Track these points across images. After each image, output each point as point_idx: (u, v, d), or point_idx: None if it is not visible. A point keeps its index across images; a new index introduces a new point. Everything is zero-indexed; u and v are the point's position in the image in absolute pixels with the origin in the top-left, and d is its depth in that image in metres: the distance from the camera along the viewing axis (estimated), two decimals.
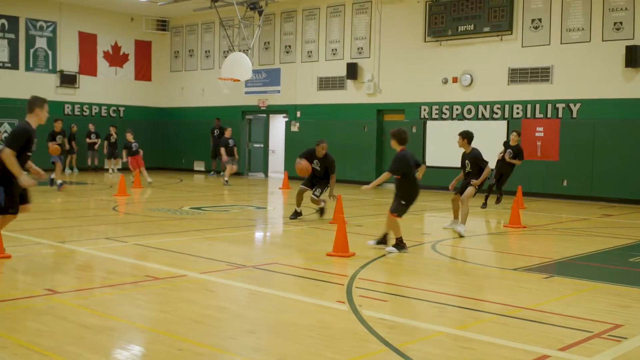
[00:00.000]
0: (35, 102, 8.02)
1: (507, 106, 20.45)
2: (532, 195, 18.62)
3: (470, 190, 11.75)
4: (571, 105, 19.30)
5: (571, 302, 6.88)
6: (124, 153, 21.72)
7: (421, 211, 15.51)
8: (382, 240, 9.72)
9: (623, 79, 18.38)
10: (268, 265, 8.36)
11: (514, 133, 16.75)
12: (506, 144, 16.78)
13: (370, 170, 23.31)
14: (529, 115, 19.99)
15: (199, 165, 29.19)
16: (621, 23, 18.43)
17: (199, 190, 20.86)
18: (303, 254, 9.57)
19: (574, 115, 19.27)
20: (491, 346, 5.26)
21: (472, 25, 20.91)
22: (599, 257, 9.71)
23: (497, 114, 20.65)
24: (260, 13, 24.21)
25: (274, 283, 7.51)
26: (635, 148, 17.89)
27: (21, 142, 7.72)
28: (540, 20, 19.88)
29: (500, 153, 16.58)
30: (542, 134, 19.61)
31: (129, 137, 21.67)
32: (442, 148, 21.18)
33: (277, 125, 28.14)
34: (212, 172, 27.37)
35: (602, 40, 18.74)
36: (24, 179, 7.71)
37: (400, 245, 9.44)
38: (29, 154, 7.97)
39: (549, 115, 19.65)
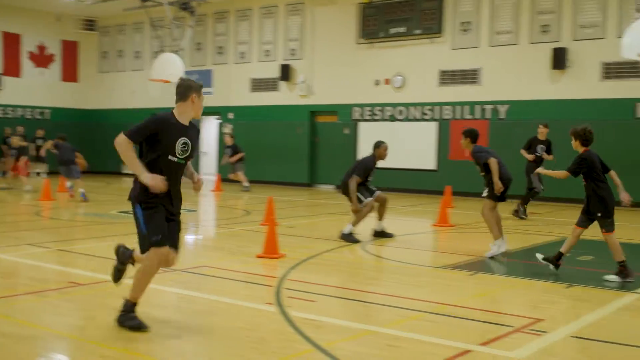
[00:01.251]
0: (191, 87, 5.89)
1: (437, 107, 20.77)
2: (461, 195, 18.95)
3: (485, 202, 9.82)
4: (499, 106, 19.74)
5: (494, 298, 7.04)
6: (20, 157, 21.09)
7: None
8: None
9: (550, 80, 18.90)
10: (197, 269, 8.27)
11: (541, 126, 14.69)
12: (534, 140, 14.68)
13: (304, 172, 23.36)
14: (458, 116, 20.36)
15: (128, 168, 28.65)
16: (548, 26, 18.96)
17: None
18: (233, 256, 9.51)
19: (502, 116, 19.70)
20: (417, 343, 5.33)
21: (404, 28, 21.18)
22: (524, 254, 9.96)
23: (427, 115, 20.96)
24: (191, 13, 23.96)
25: (203, 286, 7.44)
26: (561, 147, 18.35)
27: (145, 133, 5.52)
28: (469, 23, 20.27)
29: (527, 152, 14.62)
30: None
31: (16, 140, 21.37)
32: None
33: (210, 127, 27.90)
34: None
35: (530, 43, 19.24)
36: (149, 177, 5.38)
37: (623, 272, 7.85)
38: (182, 158, 5.69)
39: (477, 116, 20.04)
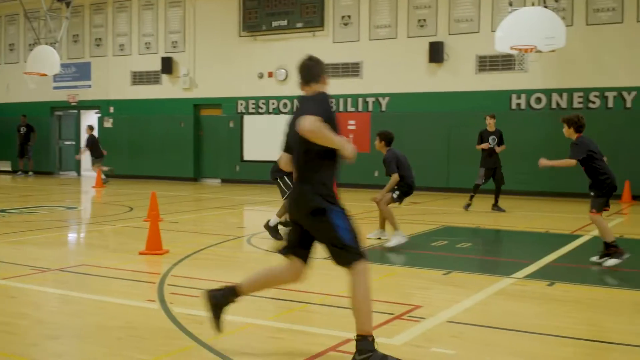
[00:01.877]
0: (323, 66, 4.95)
1: None
2: (346, 186, 19.22)
3: (385, 196, 10.13)
4: (380, 99, 20.14)
5: (376, 286, 7.14)
6: None
7: (239, 205, 15.54)
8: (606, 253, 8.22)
9: (428, 73, 19.45)
10: (76, 268, 8.00)
11: (488, 117, 14.60)
12: (484, 133, 14.60)
13: (189, 166, 23.02)
14: (341, 109, 20.61)
15: (4, 165, 27.33)
16: (425, 20, 19.49)
17: (4, 192, 19.57)
18: (114, 253, 9.25)
19: (383, 108, 20.13)
20: (299, 334, 5.36)
21: (286, 21, 21.23)
22: (405, 243, 10.19)
23: None
24: (67, 5, 23.11)
25: (82, 286, 7.19)
26: (439, 139, 19.00)
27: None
28: (349, 17, 20.55)
29: (480, 145, 14.58)
30: (354, 127, 20.31)
31: None
32: (259, 142, 21.36)
33: (89, 122, 26.98)
34: (20, 172, 25.77)
35: (408, 37, 19.72)
36: (350, 148, 4.67)
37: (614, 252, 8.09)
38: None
39: (360, 109, 20.39)
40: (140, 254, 8.76)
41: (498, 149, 14.40)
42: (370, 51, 20.22)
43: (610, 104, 17.18)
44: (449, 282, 7.41)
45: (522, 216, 13.79)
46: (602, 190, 8.09)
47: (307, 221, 4.73)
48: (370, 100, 20.27)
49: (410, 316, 5.91)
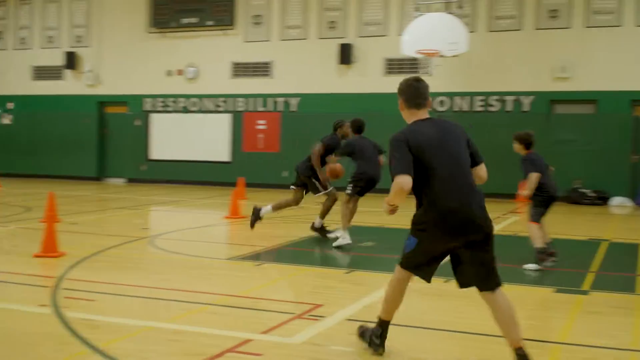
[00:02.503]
0: None
1: (230, 99, 20.83)
2: (255, 186, 19.17)
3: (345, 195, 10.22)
4: (291, 99, 20.19)
5: (279, 286, 7.19)
6: None
7: (144, 205, 15.25)
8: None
9: (337, 74, 19.63)
10: None
11: None
12: None
13: (92, 165, 22.42)
14: (251, 108, 20.56)
15: None
16: (335, 22, 19.67)
17: None
18: (6, 256, 8.89)
19: (294, 109, 20.18)
20: (199, 336, 5.30)
21: (196, 18, 21.01)
22: (310, 242, 10.28)
23: (221, 107, 20.96)
24: None
25: None
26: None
27: None
28: (261, 16, 20.51)
29: None
30: (264, 127, 20.28)
31: None
32: (166, 141, 21.04)
33: None
34: None
35: (319, 38, 19.85)
36: None
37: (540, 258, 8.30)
38: None
39: (270, 108, 20.37)
40: (35, 256, 8.45)
41: None
42: (281, 51, 20.24)
43: (509, 108, 17.80)
44: (350, 281, 7.50)
45: None
46: (541, 202, 8.35)
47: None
48: (281, 100, 20.28)
49: (310, 315, 5.94)
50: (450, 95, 18.36)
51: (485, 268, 4.59)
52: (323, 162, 10.47)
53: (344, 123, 11.01)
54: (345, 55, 19.25)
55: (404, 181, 4.44)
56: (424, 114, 4.73)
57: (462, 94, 18.27)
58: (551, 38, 17.45)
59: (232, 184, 17.37)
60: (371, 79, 19.22)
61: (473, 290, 4.69)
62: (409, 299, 6.65)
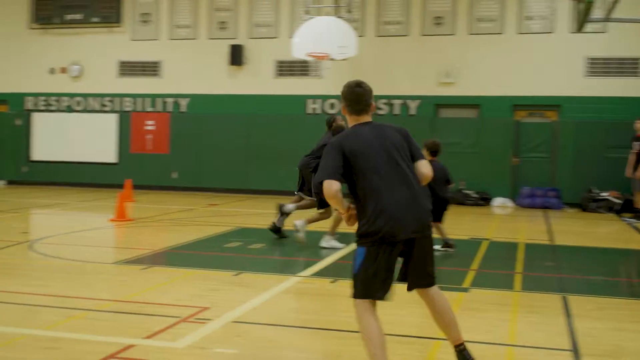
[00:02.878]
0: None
1: (117, 99, 20.31)
2: (143, 188, 18.77)
3: None
4: (180, 100, 19.89)
5: (165, 290, 7.07)
6: None
7: (24, 208, 14.64)
8: None
9: (228, 76, 19.49)
10: None
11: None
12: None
13: None
14: (139, 108, 20.11)
15: None
16: (225, 23, 19.53)
17: None
18: None
19: (183, 109, 19.89)
20: (78, 343, 5.14)
21: (81, 15, 20.35)
22: (199, 245, 10.15)
23: (107, 106, 20.39)
24: None
25: None
26: (239, 141, 19.07)
27: None
28: (149, 14, 20.10)
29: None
30: (153, 128, 19.89)
31: None
32: (49, 142, 20.26)
33: None
34: None
35: (209, 39, 19.65)
36: None
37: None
38: None
39: (159, 109, 20.00)
40: None
41: None
42: (171, 51, 19.90)
43: (397, 111, 18.24)
44: (238, 283, 7.46)
45: None
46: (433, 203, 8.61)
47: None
48: (170, 100, 19.94)
49: (196, 318, 5.88)
50: (340, 98, 18.58)
51: (423, 268, 4.53)
52: None
53: (336, 117, 10.89)
54: (236, 56, 19.16)
55: (326, 186, 4.34)
56: (365, 118, 4.64)
57: None
58: (436, 44, 18.00)
59: (119, 186, 16.94)
60: (262, 80, 19.21)
61: None
62: (301, 301, 6.72)
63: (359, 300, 4.35)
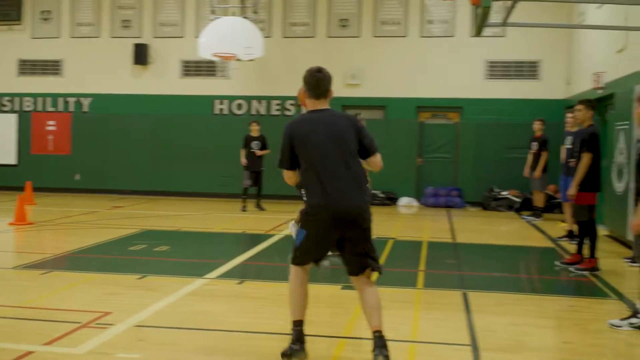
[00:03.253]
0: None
1: (17, 98, 19.58)
2: (44, 191, 18.16)
3: None
4: (82, 99, 19.36)
5: (66, 295, 6.88)
6: None
7: None
8: None
9: (133, 75, 19.11)
10: None
11: (254, 123, 15.47)
12: (248, 138, 15.31)
13: None
14: (40, 108, 19.45)
15: None
16: (129, 21, 19.14)
17: None
18: None
19: (86, 109, 19.37)
20: None
21: None
22: (102, 248, 9.91)
23: (6, 106, 19.63)
24: None
25: None
26: (145, 141, 18.71)
27: None
28: (50, 12, 19.48)
29: (244, 150, 15.20)
30: (54, 128, 19.27)
31: None
32: None
33: None
34: None
35: (112, 37, 19.21)
36: None
37: None
38: None
39: (60, 109, 19.40)
40: None
41: (260, 153, 15.12)
42: (72, 49, 19.33)
43: (304, 111, 18.32)
44: (142, 287, 7.33)
45: (224, 218, 14.14)
46: None
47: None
48: (72, 100, 19.37)
49: (98, 323, 5.75)
50: (248, 99, 18.56)
51: (359, 256, 4.83)
52: None
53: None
54: (141, 55, 18.79)
55: (285, 175, 4.88)
56: (322, 104, 4.91)
57: (259, 98, 18.54)
58: (342, 46, 18.19)
59: (19, 189, 16.36)
60: (168, 80, 18.93)
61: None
62: (206, 303, 6.67)
63: (292, 266, 4.93)
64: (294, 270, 4.93)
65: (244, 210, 15.09)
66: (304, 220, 4.82)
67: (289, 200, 16.21)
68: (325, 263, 7.81)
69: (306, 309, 4.94)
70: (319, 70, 4.97)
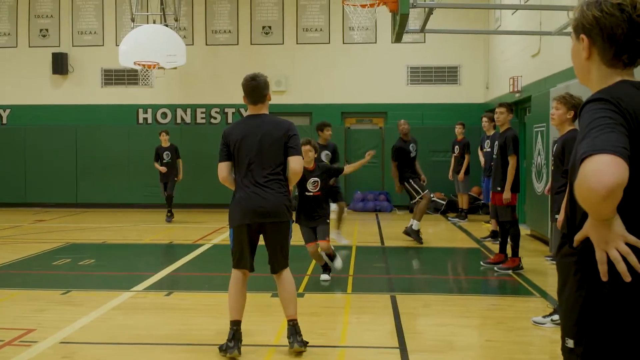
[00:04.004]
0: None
1: None
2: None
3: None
4: (0, 111, 18.77)
5: None
6: None
7: None
8: None
9: (52, 85, 18.65)
10: None
11: (163, 133, 14.78)
12: (159, 149, 14.71)
13: None
14: None
15: None
16: (47, 30, 18.67)
17: None
18: None
19: (4, 121, 18.80)
20: None
21: None
22: (24, 263, 9.62)
23: None
24: None
25: None
26: (66, 153, 18.23)
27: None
28: None
29: (157, 163, 14.64)
30: None
31: None
32: None
33: None
34: None
35: (29, 46, 18.71)
36: None
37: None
38: None
39: None
40: None
41: (163, 169, 14.56)
42: None
43: (230, 119, 18.26)
44: (67, 302, 7.15)
45: (150, 229, 13.92)
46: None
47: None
48: None
49: (21, 341, 5.59)
50: (172, 107, 18.36)
51: (274, 253, 5.31)
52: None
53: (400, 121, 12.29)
54: (59, 64, 18.35)
55: (219, 169, 5.29)
56: (260, 109, 5.38)
57: (184, 106, 18.36)
58: (266, 53, 18.19)
59: None
60: (89, 89, 18.55)
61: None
62: (133, 317, 6.55)
63: (233, 269, 5.33)
64: (233, 273, 5.34)
65: (169, 221, 14.75)
66: (231, 224, 5.29)
67: (212, 209, 16.14)
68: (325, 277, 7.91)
69: (242, 311, 5.32)
70: (254, 77, 5.32)
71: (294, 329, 5.26)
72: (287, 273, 5.35)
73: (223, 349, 5.16)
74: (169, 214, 14.83)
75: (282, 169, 5.24)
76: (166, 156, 14.53)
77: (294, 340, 5.20)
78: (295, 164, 5.22)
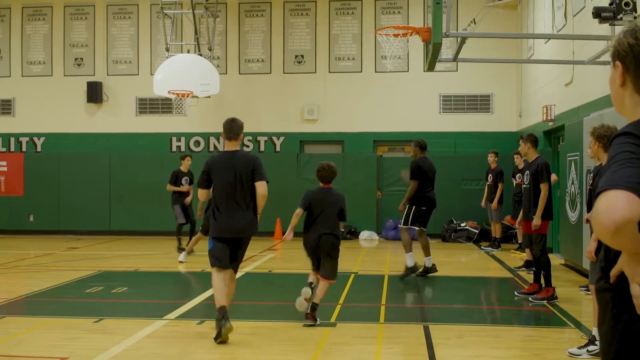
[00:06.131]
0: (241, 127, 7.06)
1: None
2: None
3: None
4: (35, 139, 19.09)
5: (21, 341, 6.69)
6: None
7: None
8: None
9: (86, 113, 18.93)
10: None
11: (188, 157, 14.15)
12: (179, 173, 14.00)
13: None
14: None
15: None
16: (82, 59, 19.01)
17: None
18: None
19: (39, 149, 19.10)
20: None
21: None
22: (58, 291, 9.68)
23: None
24: None
25: None
26: (100, 181, 18.44)
27: None
28: None
29: (173, 185, 13.88)
30: (5, 169, 18.91)
31: None
32: None
33: None
34: None
35: (64, 75, 19.04)
36: None
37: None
38: None
39: (12, 149, 19.09)
40: None
41: (185, 188, 13.83)
42: (24, 88, 19.09)
43: (262, 148, 18.35)
44: (99, 330, 7.17)
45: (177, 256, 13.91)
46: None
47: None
48: (24, 140, 19.09)
49: None
50: (205, 135, 18.52)
51: (236, 258, 6.82)
52: None
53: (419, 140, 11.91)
54: (94, 93, 18.63)
55: (199, 193, 6.91)
56: (234, 146, 6.77)
57: (217, 134, 18.49)
58: (298, 82, 18.31)
59: None
60: (123, 118, 18.79)
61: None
62: (165, 345, 6.55)
63: (213, 267, 6.70)
64: (213, 271, 6.71)
65: (180, 252, 13.38)
66: (212, 235, 6.76)
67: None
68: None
69: (228, 297, 6.61)
70: (233, 120, 6.86)
71: (225, 314, 6.41)
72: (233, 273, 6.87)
73: (218, 325, 6.35)
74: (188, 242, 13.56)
75: (252, 194, 6.63)
76: (185, 181, 13.95)
77: (222, 318, 6.38)
78: (262, 189, 6.60)
